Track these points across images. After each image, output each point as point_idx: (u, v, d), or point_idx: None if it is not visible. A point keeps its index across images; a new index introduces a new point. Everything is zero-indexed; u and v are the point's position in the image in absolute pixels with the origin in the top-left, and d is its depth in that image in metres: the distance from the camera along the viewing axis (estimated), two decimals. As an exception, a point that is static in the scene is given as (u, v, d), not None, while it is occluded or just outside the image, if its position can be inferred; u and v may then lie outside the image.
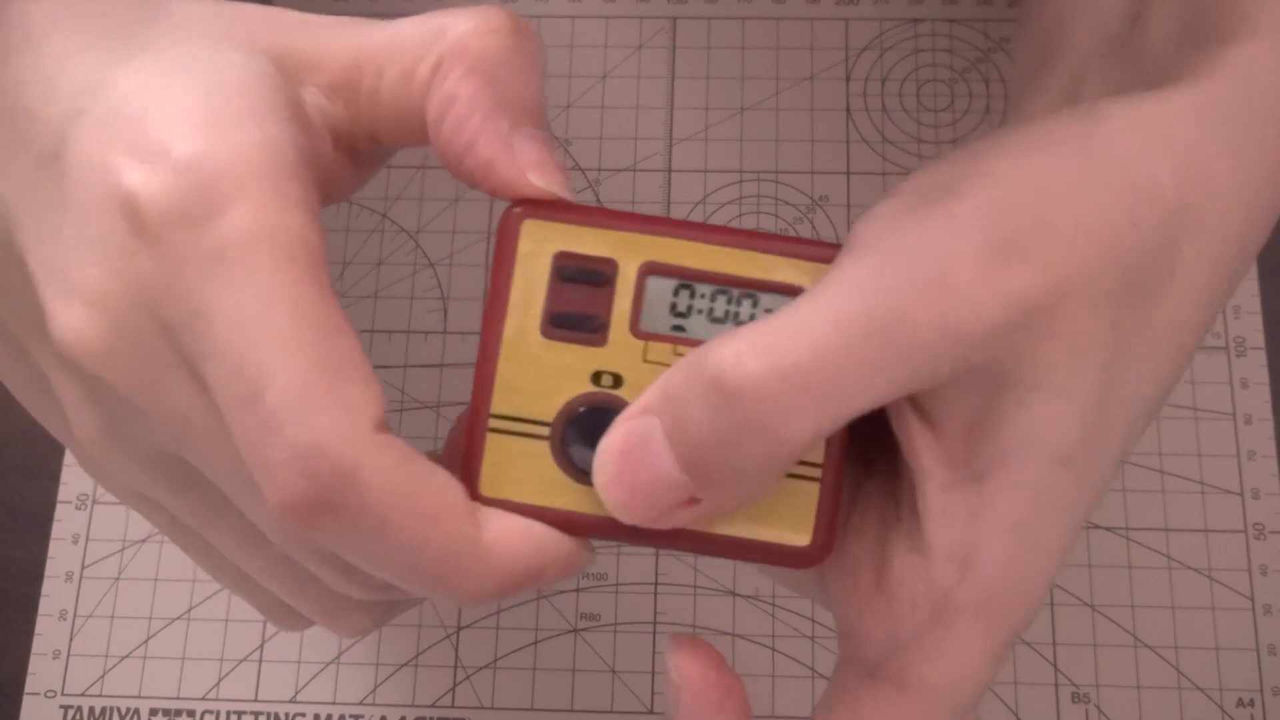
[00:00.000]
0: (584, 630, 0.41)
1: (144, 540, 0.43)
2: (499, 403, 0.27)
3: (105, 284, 0.25)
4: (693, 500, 0.25)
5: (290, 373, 0.24)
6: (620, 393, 0.27)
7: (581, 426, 0.27)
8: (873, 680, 0.27)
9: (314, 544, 0.27)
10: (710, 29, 0.48)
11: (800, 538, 0.27)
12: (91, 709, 0.41)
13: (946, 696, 0.26)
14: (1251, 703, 0.40)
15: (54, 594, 0.42)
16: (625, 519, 0.25)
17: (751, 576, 0.42)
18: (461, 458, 0.27)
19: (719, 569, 0.42)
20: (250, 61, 0.26)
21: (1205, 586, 0.41)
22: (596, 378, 0.27)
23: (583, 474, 0.26)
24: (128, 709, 0.41)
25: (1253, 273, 0.44)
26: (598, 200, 0.46)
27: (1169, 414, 0.43)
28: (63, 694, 0.41)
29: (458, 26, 0.26)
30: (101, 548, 0.43)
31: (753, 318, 0.27)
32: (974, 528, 0.26)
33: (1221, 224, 0.27)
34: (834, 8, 0.48)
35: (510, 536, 0.26)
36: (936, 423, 0.26)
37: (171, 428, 0.26)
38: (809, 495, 0.27)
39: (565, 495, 0.27)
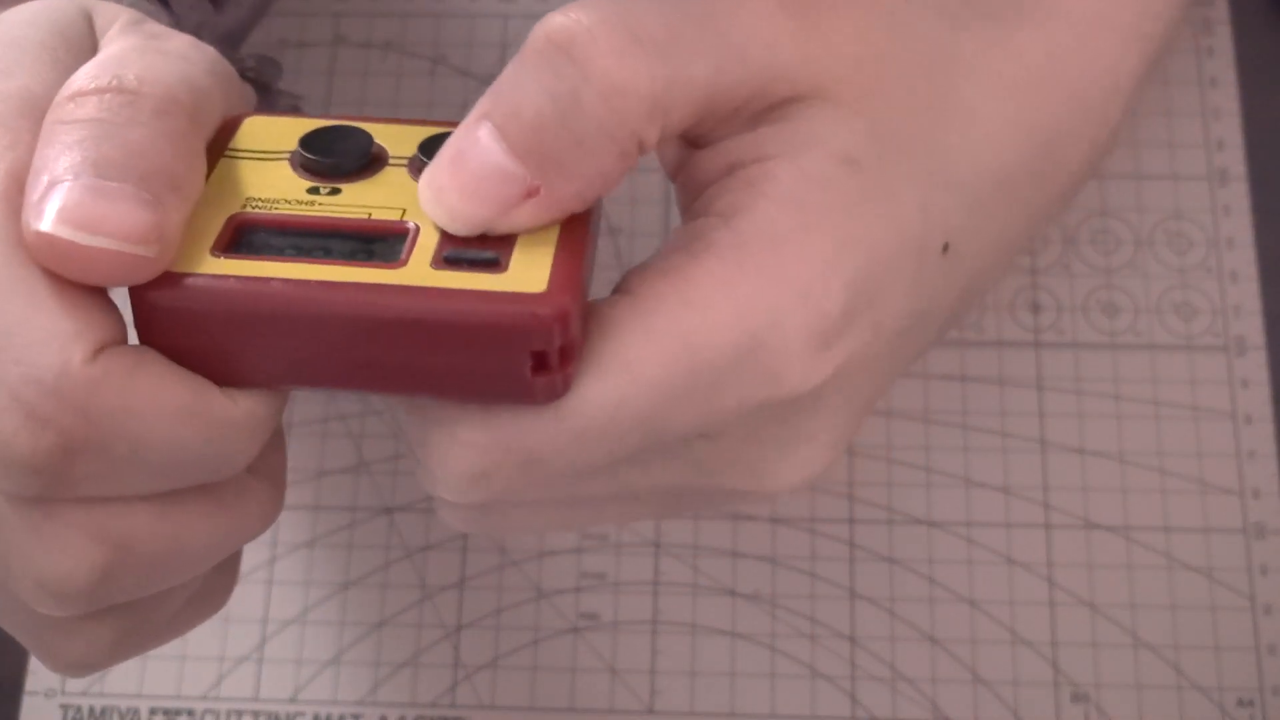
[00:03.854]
0: (584, 630, 0.41)
1: (144, 540, 0.43)
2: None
3: None
4: (530, 191, 0.25)
5: (1, 309, 0.23)
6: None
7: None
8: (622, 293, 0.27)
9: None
10: (710, 29, 0.48)
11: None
12: (91, 708, 0.41)
13: (681, 321, 0.25)
14: (1251, 703, 0.40)
15: (54, 593, 0.42)
16: (460, 226, 0.25)
17: (752, 577, 0.42)
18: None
19: (719, 568, 0.42)
20: (57, 9, 0.27)
21: (1205, 586, 0.41)
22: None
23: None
24: (127, 708, 0.41)
25: (1253, 273, 0.44)
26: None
27: (1169, 414, 0.43)
28: (63, 693, 0.41)
29: None
30: (101, 547, 0.43)
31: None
32: (749, 194, 0.26)
33: (973, 254, 0.30)
34: (834, 8, 0.48)
35: (248, 399, 0.25)
36: (724, 120, 0.27)
37: None
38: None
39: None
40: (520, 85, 0.25)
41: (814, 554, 0.42)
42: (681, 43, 0.26)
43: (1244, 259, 0.44)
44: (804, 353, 0.26)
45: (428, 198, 0.25)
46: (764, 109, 0.27)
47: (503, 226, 0.25)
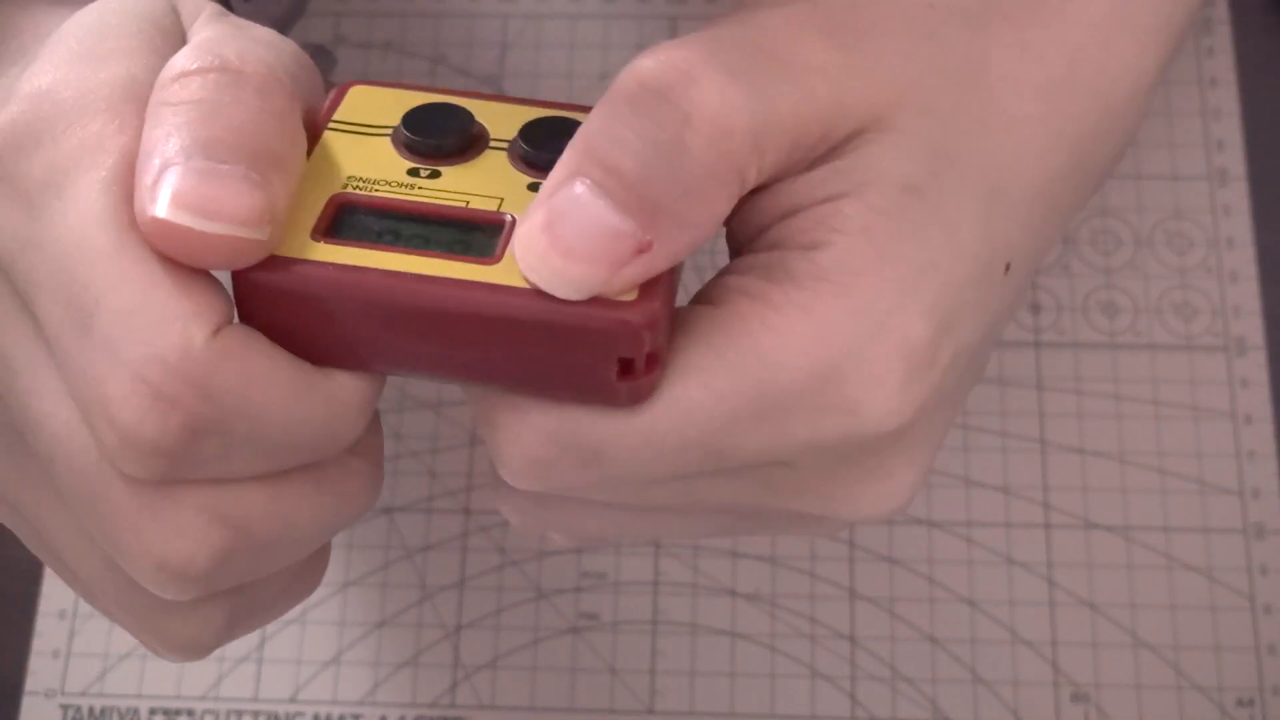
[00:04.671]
0: (584, 630, 0.41)
1: (144, 540, 0.43)
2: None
3: None
4: (642, 247, 0.24)
5: (120, 292, 0.23)
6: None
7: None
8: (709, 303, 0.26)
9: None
10: (710, 29, 0.48)
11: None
12: (91, 708, 0.41)
13: (765, 351, 0.25)
14: (1251, 702, 0.40)
15: (54, 593, 0.42)
16: (570, 290, 0.24)
17: (752, 576, 0.42)
18: None
19: (719, 568, 0.42)
20: (149, 3, 0.27)
21: (1205, 586, 0.41)
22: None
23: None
24: (127, 708, 0.41)
25: (1253, 273, 0.44)
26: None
27: (1169, 414, 0.43)
28: (62, 694, 0.41)
29: None
30: (101, 547, 0.43)
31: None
32: (820, 230, 0.26)
33: (1025, 268, 0.29)
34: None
35: (347, 378, 0.25)
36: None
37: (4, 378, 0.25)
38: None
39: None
40: (617, 136, 0.24)
41: (814, 554, 0.42)
42: (767, 79, 0.25)
43: (1244, 259, 0.44)
44: (889, 388, 0.25)
45: (530, 262, 0.24)
46: (827, 148, 0.26)
47: (615, 285, 0.24)
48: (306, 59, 0.27)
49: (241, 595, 0.28)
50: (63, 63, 0.25)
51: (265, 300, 0.25)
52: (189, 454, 0.24)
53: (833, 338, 0.25)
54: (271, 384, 0.24)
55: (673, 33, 0.48)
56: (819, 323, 0.25)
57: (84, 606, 0.42)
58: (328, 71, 0.37)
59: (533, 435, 0.25)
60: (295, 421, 0.24)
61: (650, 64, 0.24)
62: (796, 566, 0.42)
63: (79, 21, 0.26)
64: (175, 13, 0.27)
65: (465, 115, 0.27)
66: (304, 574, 0.30)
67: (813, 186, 0.26)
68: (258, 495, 0.25)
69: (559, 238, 0.23)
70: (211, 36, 0.26)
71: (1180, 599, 0.41)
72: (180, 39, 0.27)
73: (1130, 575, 0.41)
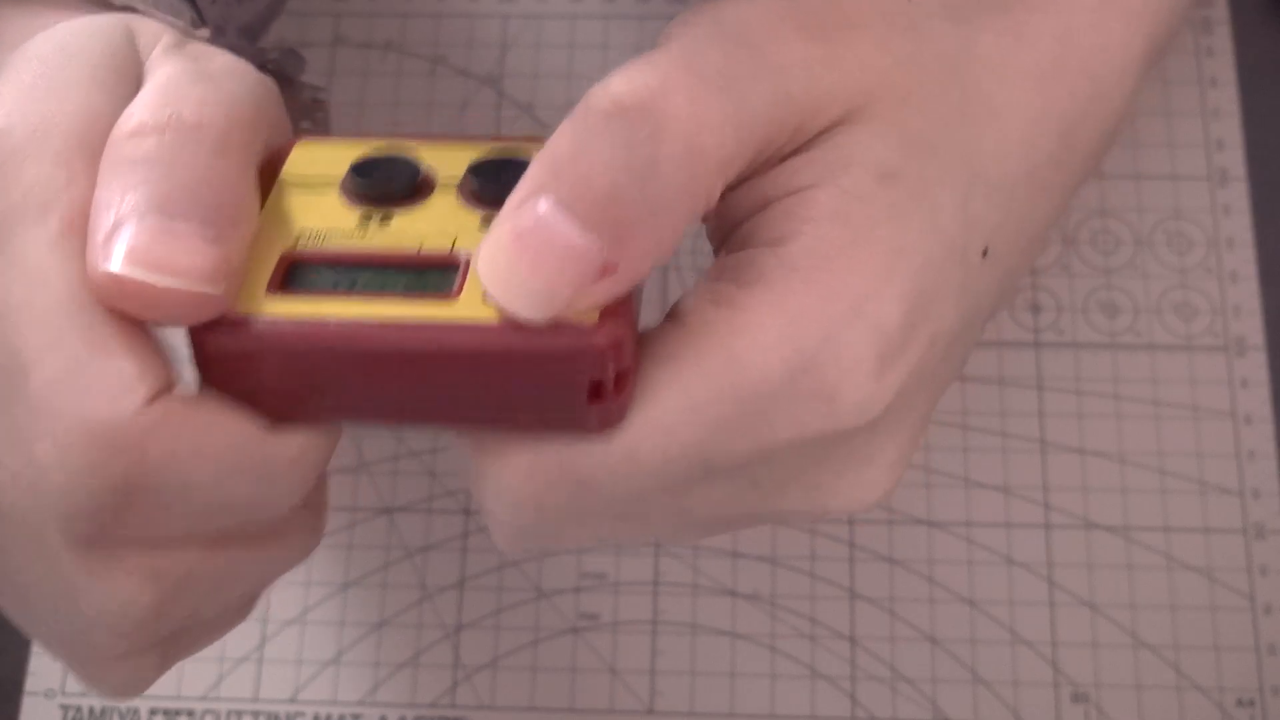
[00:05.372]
0: (583, 630, 0.41)
1: (144, 540, 0.43)
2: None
3: None
4: (606, 269, 0.23)
5: (55, 356, 0.23)
6: None
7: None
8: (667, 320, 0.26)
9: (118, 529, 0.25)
10: (710, 29, 0.48)
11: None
12: (91, 709, 0.41)
13: (733, 347, 0.25)
14: (1251, 702, 0.40)
15: (54, 594, 0.42)
16: (534, 311, 0.23)
17: (752, 576, 0.42)
18: None
19: (719, 568, 0.42)
20: (103, 30, 0.26)
21: (1205, 586, 0.41)
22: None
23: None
24: (127, 708, 0.41)
25: (1253, 273, 0.44)
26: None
27: (1169, 414, 0.43)
28: (62, 693, 0.41)
29: None
30: (101, 547, 0.43)
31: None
32: (792, 220, 0.25)
33: (1005, 254, 0.29)
34: (834, 8, 0.48)
35: (295, 437, 0.25)
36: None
37: None
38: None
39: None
40: (587, 154, 0.23)
41: (814, 554, 0.42)
42: (742, 81, 0.25)
43: (1244, 259, 0.44)
44: (864, 373, 0.25)
45: (494, 283, 0.23)
46: (802, 141, 0.26)
47: (580, 305, 0.23)
48: (269, 86, 0.27)
49: (176, 638, 0.28)
50: (13, 97, 0.25)
51: (224, 357, 0.24)
52: (119, 516, 0.23)
53: (805, 327, 0.25)
54: (207, 452, 0.24)
55: (673, 33, 0.48)
56: (790, 315, 0.25)
57: (84, 606, 0.42)
58: (297, 73, 0.36)
59: (517, 478, 0.25)
60: (230, 485, 0.24)
61: (625, 84, 0.24)
62: (796, 566, 0.42)
63: (35, 53, 0.26)
64: (132, 43, 0.27)
65: (410, 163, 0.26)
66: (240, 606, 0.30)
67: (784, 178, 0.26)
68: (194, 553, 0.25)
69: (523, 252, 0.23)
70: (167, 83, 0.25)
71: (1180, 599, 0.41)
72: (136, 72, 0.26)
73: (1130, 575, 0.41)
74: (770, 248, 0.25)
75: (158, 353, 0.24)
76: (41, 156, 0.24)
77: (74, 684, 0.41)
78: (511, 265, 0.23)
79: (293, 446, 0.25)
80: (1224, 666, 0.40)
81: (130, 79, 0.26)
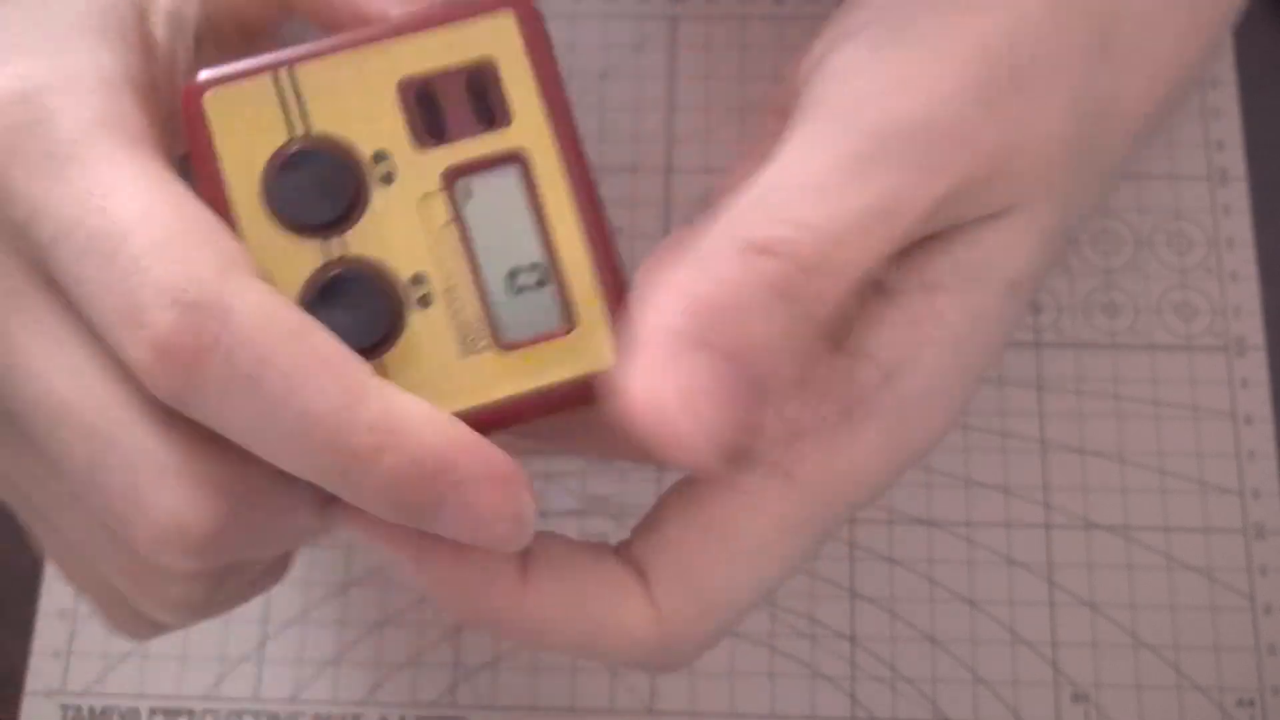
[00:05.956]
0: (584, 630, 0.41)
1: (144, 540, 0.43)
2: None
3: None
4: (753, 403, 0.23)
5: (150, 225, 0.23)
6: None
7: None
8: (753, 467, 0.26)
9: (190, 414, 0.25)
10: (710, 29, 0.48)
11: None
12: (91, 708, 0.41)
13: (837, 494, 0.25)
14: (1251, 703, 0.40)
15: (54, 593, 0.42)
16: (693, 460, 0.23)
17: (751, 576, 0.42)
18: None
19: (719, 569, 0.42)
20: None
21: (1205, 586, 0.41)
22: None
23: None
24: (128, 708, 0.41)
25: (1253, 273, 0.44)
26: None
27: (1169, 414, 0.43)
28: (63, 693, 0.41)
29: None
30: (101, 547, 0.43)
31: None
32: (913, 336, 0.25)
33: (1151, 49, 0.27)
34: (834, 7, 0.48)
35: (394, 391, 0.24)
36: None
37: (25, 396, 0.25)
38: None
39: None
40: (749, 317, 0.23)
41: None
42: (925, 189, 0.24)
43: (1244, 259, 0.44)
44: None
45: (656, 439, 0.23)
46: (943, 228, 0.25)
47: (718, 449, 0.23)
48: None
49: (223, 578, 0.27)
50: (29, 54, 0.25)
51: None
52: (195, 373, 0.23)
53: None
54: (284, 334, 0.23)
55: (673, 32, 0.48)
56: (896, 466, 0.26)
57: (84, 606, 0.42)
58: None
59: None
60: (303, 399, 0.23)
61: (777, 226, 0.23)
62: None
63: (31, 12, 0.26)
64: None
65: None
66: (280, 563, 0.30)
67: (915, 269, 0.25)
68: (256, 475, 0.25)
69: (682, 420, 0.23)
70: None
71: (1180, 599, 0.41)
72: (137, 23, 0.26)
73: (1130, 575, 0.41)
74: (884, 373, 0.25)
75: (246, 251, 0.24)
76: (84, 94, 0.24)
77: (74, 684, 0.41)
78: (670, 424, 0.23)
79: (388, 391, 0.24)
80: (1224, 666, 0.40)
81: (132, 29, 0.26)
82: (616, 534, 0.42)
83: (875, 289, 0.26)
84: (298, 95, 0.25)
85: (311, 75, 0.25)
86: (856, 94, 0.24)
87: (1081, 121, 0.26)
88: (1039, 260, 0.26)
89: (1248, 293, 0.44)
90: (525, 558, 0.25)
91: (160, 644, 0.42)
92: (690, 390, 0.22)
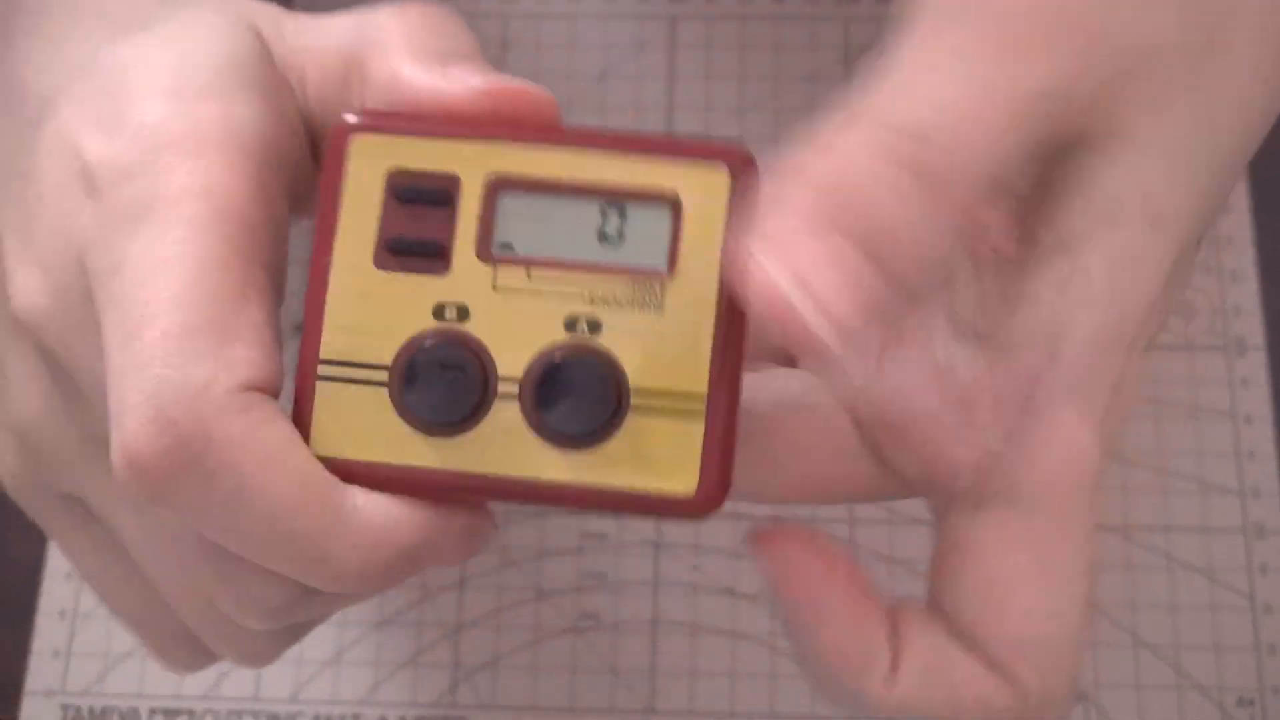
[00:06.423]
0: (584, 630, 0.41)
1: (144, 540, 0.43)
2: (329, 346, 0.24)
3: (52, 243, 0.25)
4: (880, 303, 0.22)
5: (172, 319, 0.23)
6: (467, 327, 0.24)
7: (423, 369, 0.24)
8: (982, 510, 0.25)
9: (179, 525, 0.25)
10: (710, 29, 0.48)
11: (684, 485, 0.24)
12: (91, 708, 0.41)
13: (1064, 487, 0.24)
14: (1251, 702, 0.40)
15: (53, 593, 0.42)
16: (830, 334, 0.21)
17: (752, 576, 0.41)
18: (292, 411, 0.24)
19: (719, 568, 0.42)
20: (236, 40, 0.26)
21: (1205, 586, 0.41)
22: (439, 311, 0.24)
23: (430, 424, 0.24)
24: (128, 708, 0.41)
25: (1253, 273, 0.44)
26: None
27: (1169, 413, 0.43)
28: (63, 693, 0.41)
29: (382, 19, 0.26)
30: (101, 547, 0.43)
31: (621, 234, 0.24)
32: (1064, 302, 0.24)
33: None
34: (834, 7, 0.48)
35: (376, 505, 0.24)
36: (1009, 202, 0.24)
37: (98, 401, 0.25)
38: (693, 436, 0.24)
39: (409, 449, 0.24)
40: (882, 196, 0.22)
41: (814, 554, 0.42)
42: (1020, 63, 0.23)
43: (1244, 259, 0.44)
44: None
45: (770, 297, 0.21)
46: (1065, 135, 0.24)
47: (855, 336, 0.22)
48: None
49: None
50: (166, 96, 0.25)
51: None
52: (169, 485, 0.23)
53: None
54: (270, 462, 0.23)
55: (673, 32, 0.48)
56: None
57: (84, 606, 0.42)
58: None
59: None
60: (284, 511, 0.23)
61: (906, 107, 0.22)
62: (796, 566, 0.42)
63: (169, 55, 0.26)
64: (259, 43, 0.27)
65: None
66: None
67: (1056, 223, 0.24)
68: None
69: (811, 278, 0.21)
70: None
71: (1180, 599, 0.41)
72: (269, 69, 0.26)
73: (1130, 575, 0.41)
74: (1046, 357, 0.24)
75: (274, 356, 0.24)
76: (197, 154, 0.24)
77: (74, 684, 0.41)
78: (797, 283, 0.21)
79: (375, 510, 0.24)
80: (1224, 666, 0.40)
81: (266, 83, 0.26)
82: (616, 533, 0.42)
83: (1013, 267, 0.24)
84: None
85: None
86: None
87: (1193, 32, 0.24)
88: (1177, 190, 0.24)
89: (1248, 293, 0.44)
90: (898, 637, 0.25)
91: (160, 644, 0.42)
92: (817, 269, 0.21)
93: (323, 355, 0.24)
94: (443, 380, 0.23)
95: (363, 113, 0.24)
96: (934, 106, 0.22)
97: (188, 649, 0.30)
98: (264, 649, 0.29)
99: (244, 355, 0.23)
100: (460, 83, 0.24)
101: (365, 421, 0.24)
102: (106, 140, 0.25)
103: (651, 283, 0.24)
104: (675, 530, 0.42)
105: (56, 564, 0.43)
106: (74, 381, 0.26)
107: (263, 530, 0.23)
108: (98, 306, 0.24)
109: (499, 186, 0.24)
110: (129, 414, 0.23)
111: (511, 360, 0.24)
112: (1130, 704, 0.40)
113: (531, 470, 0.24)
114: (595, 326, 0.24)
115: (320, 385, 0.24)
